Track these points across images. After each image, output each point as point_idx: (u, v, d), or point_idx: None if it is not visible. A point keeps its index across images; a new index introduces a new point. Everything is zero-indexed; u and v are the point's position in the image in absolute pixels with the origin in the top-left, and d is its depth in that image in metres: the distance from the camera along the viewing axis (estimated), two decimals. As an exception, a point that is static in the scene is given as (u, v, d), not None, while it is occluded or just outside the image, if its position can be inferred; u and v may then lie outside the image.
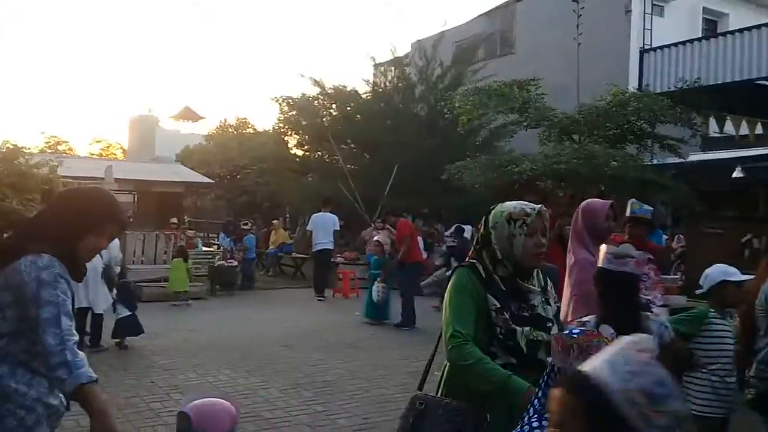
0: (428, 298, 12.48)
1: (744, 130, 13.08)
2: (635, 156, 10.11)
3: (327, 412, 5.67)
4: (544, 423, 1.89)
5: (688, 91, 9.53)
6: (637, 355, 1.29)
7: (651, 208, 5.15)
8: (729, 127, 12.47)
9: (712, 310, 3.92)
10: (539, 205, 2.55)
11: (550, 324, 2.50)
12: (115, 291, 7.98)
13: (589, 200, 4.35)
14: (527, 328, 2.42)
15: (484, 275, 2.49)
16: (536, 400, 2.03)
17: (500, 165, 9.96)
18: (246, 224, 15.97)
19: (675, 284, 5.89)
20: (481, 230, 2.57)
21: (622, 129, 9.86)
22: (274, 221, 18.07)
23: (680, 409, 1.26)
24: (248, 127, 28.95)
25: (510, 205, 2.55)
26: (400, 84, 20.72)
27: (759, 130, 12.96)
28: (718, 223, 9.37)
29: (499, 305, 2.43)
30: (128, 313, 7.92)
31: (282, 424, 5.33)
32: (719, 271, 3.93)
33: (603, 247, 3.00)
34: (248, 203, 21.78)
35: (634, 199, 5.08)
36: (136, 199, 19.75)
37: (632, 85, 12.11)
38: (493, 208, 2.58)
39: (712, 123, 13.24)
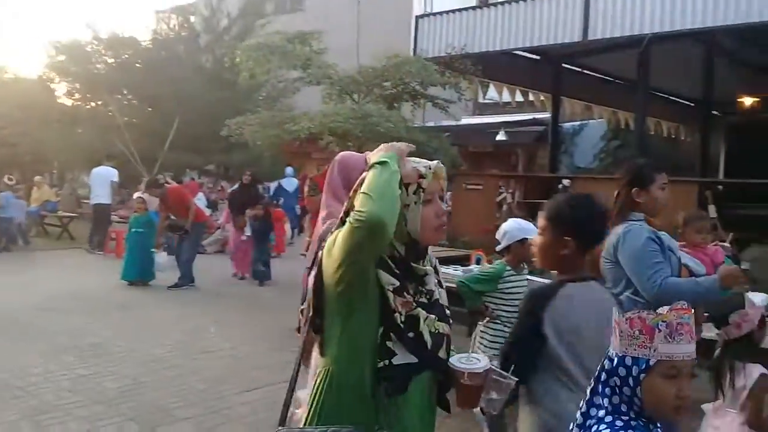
0: (210, 257, 12.27)
1: (506, 96, 14.40)
2: (409, 119, 10.68)
3: (92, 375, 5.38)
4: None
5: (455, 58, 10.22)
6: None
7: None
8: (493, 93, 13.65)
9: (508, 267, 4.01)
10: (434, 162, 1.99)
11: (448, 311, 2.03)
12: None
13: (345, 153, 4.44)
14: (431, 317, 1.92)
15: None
16: (602, 410, 1.66)
17: (281, 122, 9.96)
18: (11, 179, 14.36)
19: None
20: (353, 201, 1.90)
21: (398, 89, 10.37)
22: (37, 177, 16.45)
23: None
24: (6, 73, 25.69)
25: None
26: (183, 33, 19.74)
27: (519, 97, 14.34)
28: (480, 181, 10.30)
29: (397, 283, 1.88)
30: None
31: (39, 390, 4.96)
32: (518, 229, 3.98)
33: None
34: (7, 156, 19.50)
35: None
36: None
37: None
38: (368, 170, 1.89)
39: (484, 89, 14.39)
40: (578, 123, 16.74)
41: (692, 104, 14.27)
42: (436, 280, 2.02)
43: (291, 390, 2.15)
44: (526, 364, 2.32)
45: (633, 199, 3.18)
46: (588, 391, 1.72)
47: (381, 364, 1.85)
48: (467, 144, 16.78)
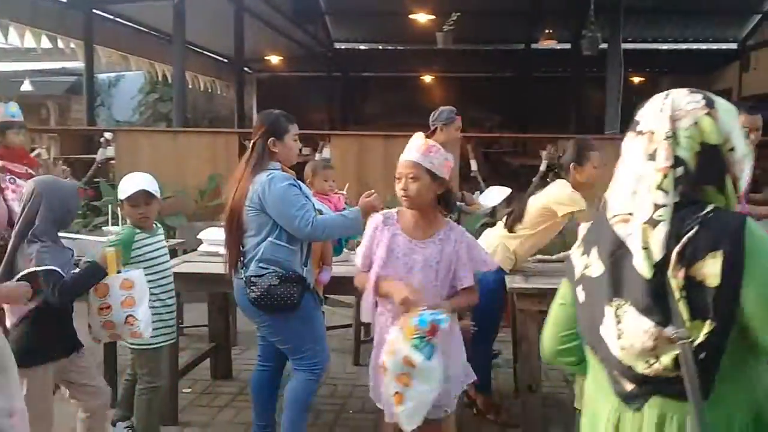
0: None
1: (30, 42, 12.83)
2: None
3: None
4: None
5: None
6: None
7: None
8: (14, 38, 11.99)
9: (137, 230, 3.39)
10: None
11: None
12: None
13: None
14: None
15: None
16: None
17: None
18: None
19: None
20: (712, 140, 1.45)
21: None
22: None
23: None
24: None
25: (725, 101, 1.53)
26: None
27: (46, 43, 12.93)
28: None
29: None
30: None
31: None
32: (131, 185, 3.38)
33: None
34: None
35: None
36: None
37: None
38: (708, 105, 1.47)
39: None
40: (114, 74, 16.05)
41: (227, 60, 15.01)
42: None
43: None
44: None
45: (270, 149, 3.28)
46: None
47: None
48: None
